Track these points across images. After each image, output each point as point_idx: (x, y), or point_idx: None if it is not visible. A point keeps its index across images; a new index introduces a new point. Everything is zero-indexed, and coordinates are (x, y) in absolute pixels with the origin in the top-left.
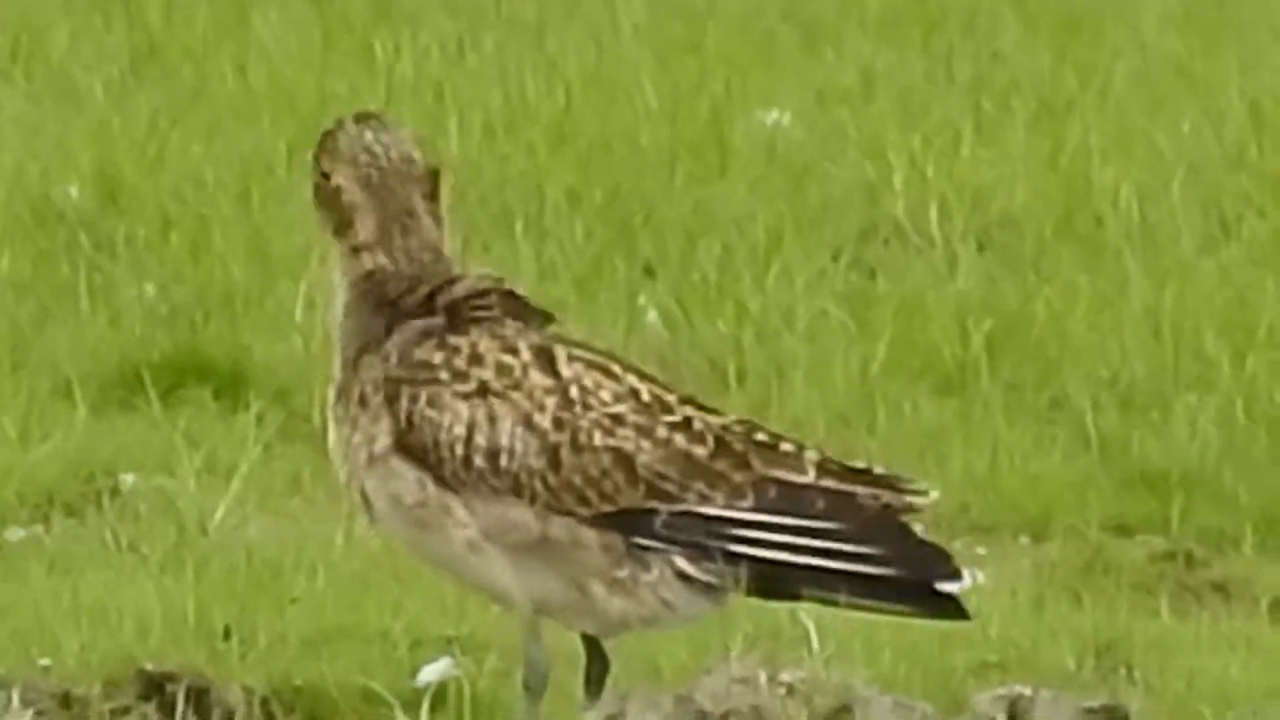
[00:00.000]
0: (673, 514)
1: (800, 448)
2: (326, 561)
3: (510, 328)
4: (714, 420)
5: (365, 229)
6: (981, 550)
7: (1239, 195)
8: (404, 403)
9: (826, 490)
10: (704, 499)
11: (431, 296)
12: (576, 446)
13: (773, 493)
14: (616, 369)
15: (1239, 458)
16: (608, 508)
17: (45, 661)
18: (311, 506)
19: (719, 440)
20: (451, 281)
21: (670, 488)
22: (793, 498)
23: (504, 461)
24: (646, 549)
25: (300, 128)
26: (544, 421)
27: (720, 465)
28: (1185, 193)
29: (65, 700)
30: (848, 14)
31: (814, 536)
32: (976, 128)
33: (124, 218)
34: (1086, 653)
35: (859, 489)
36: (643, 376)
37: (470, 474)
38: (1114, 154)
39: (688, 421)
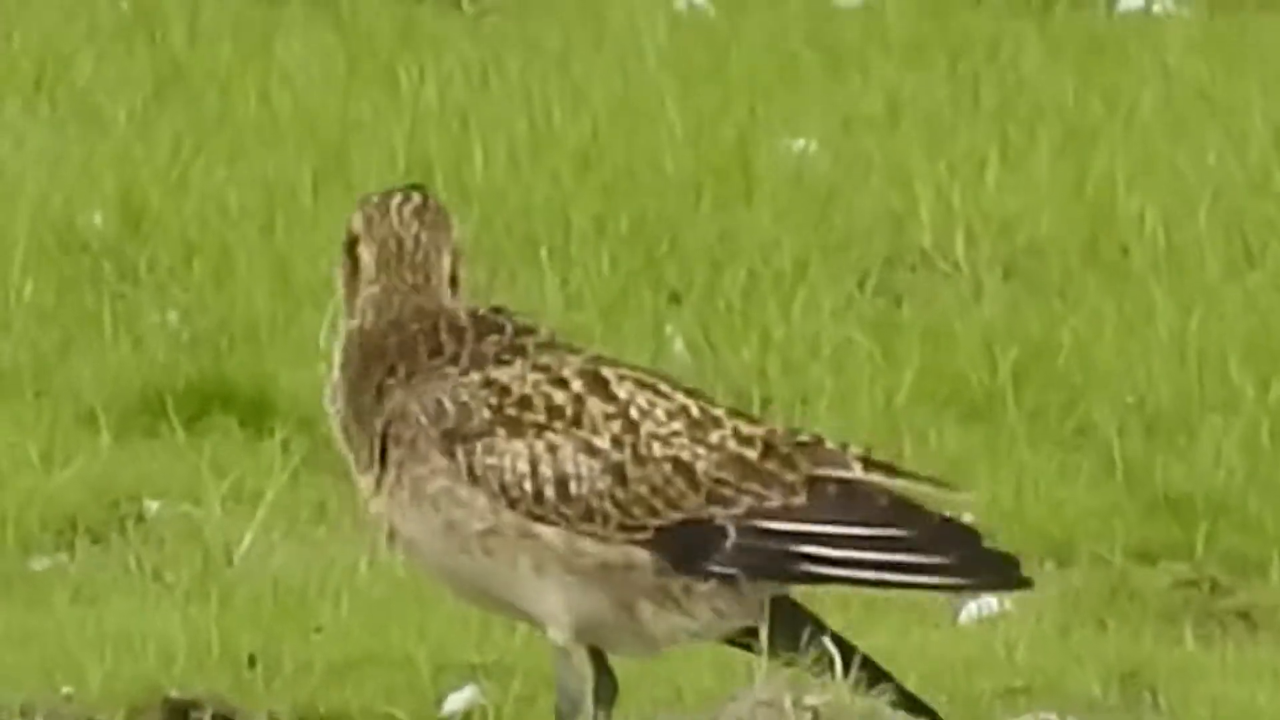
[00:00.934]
0: (738, 531)
1: (844, 446)
2: (351, 588)
3: (550, 355)
4: (758, 428)
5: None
6: None
7: (1263, 221)
8: (460, 455)
9: (886, 494)
10: (761, 498)
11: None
12: (639, 459)
13: (831, 490)
14: (664, 387)
15: (1264, 484)
16: (674, 515)
17: (69, 690)
18: (337, 533)
19: (766, 444)
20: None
21: (728, 492)
22: (851, 499)
23: (573, 488)
24: (709, 572)
25: (324, 154)
26: (604, 443)
27: (771, 465)
28: (1210, 219)
29: None
30: (871, 39)
31: (881, 548)
32: (1002, 155)
33: (147, 244)
34: (1111, 680)
35: (907, 482)
36: (688, 392)
37: (543, 506)
38: (1139, 181)
39: (735, 430)
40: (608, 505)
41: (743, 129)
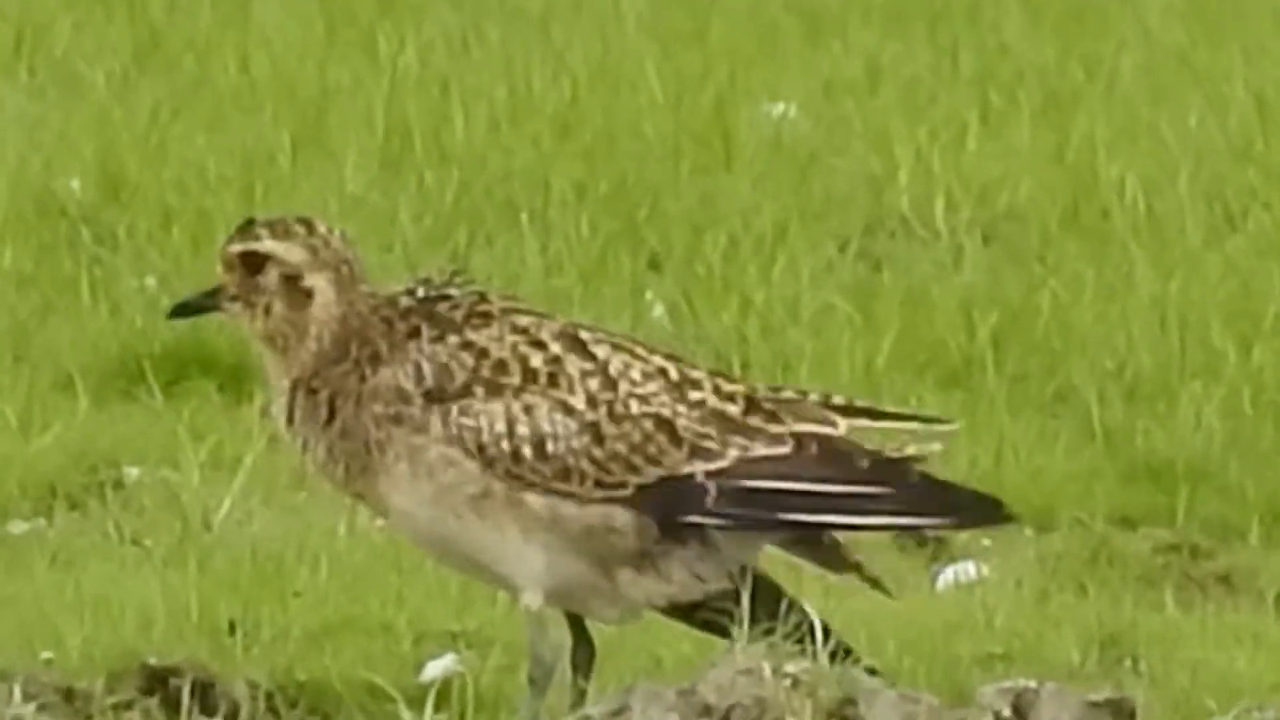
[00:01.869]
0: (720, 487)
1: (826, 398)
2: (330, 554)
3: (526, 318)
4: (740, 386)
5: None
6: (986, 542)
7: (1244, 187)
8: (436, 417)
9: (867, 453)
10: (745, 450)
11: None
12: (616, 417)
13: (813, 449)
14: (642, 350)
15: (1245, 449)
16: (655, 472)
17: (47, 655)
18: (316, 499)
19: (749, 399)
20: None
21: (712, 445)
22: (834, 456)
23: (550, 448)
24: (691, 525)
25: (303, 120)
26: (580, 403)
27: (755, 420)
28: (1191, 185)
29: (68, 694)
30: (851, 5)
31: (862, 510)
32: (982, 120)
33: (126, 210)
34: (1091, 645)
35: (890, 423)
36: (666, 356)
37: (521, 466)
38: (1120, 146)
39: (716, 387)
40: (584, 464)
41: (723, 94)
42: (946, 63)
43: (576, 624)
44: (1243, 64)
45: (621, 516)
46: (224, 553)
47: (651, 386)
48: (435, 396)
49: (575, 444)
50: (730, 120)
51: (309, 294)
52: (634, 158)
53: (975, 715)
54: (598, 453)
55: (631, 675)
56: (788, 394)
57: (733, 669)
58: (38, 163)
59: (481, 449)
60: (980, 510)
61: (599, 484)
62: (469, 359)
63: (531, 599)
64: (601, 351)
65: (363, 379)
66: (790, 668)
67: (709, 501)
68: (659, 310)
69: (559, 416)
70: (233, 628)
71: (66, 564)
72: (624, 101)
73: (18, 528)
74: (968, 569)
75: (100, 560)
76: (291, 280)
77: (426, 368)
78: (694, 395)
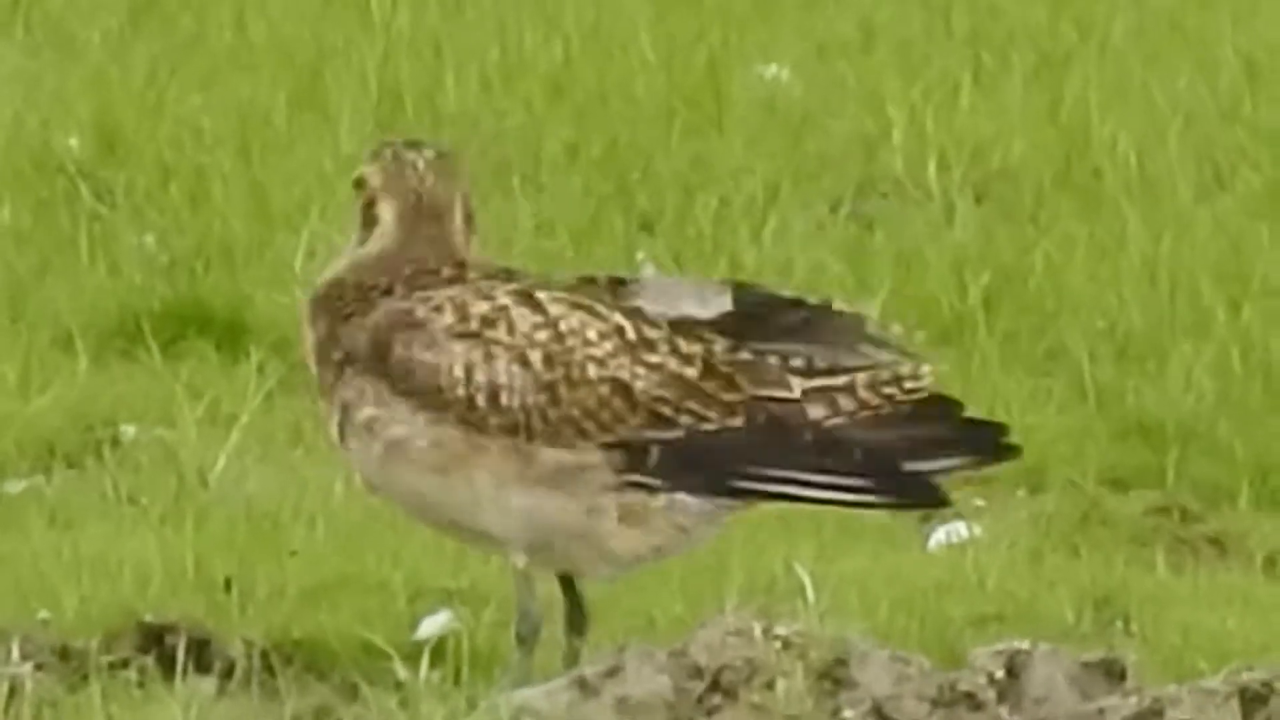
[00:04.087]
0: (665, 454)
1: (784, 360)
2: (326, 512)
3: (485, 283)
4: (698, 346)
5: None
6: (979, 502)
7: (1234, 147)
8: (398, 350)
9: (814, 427)
10: (700, 420)
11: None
12: (571, 381)
13: (761, 418)
14: (600, 308)
15: (1235, 409)
16: (607, 438)
17: (44, 614)
18: (312, 457)
19: (705, 362)
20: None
21: (667, 411)
22: (782, 426)
23: (504, 399)
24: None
25: (298, 80)
26: (537, 360)
27: (710, 386)
28: (1181, 144)
29: (64, 653)
30: None
31: (805, 485)
32: (975, 80)
33: (123, 168)
34: (1083, 605)
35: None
36: (626, 313)
37: (474, 414)
38: (1112, 106)
39: (674, 348)
40: (537, 422)
41: (715, 55)
42: (939, 23)
43: (569, 586)
44: (1232, 26)
45: (594, 454)
46: (220, 511)
47: (608, 345)
48: (382, 347)
49: (531, 400)
50: (723, 81)
51: (376, 220)
52: (626, 119)
53: (967, 676)
54: (553, 413)
55: (624, 635)
56: (745, 355)
57: (723, 630)
58: (35, 120)
59: (440, 390)
60: (917, 492)
61: (550, 442)
62: (422, 309)
63: (517, 556)
64: (556, 309)
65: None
66: (781, 629)
67: (652, 464)
68: (650, 271)
69: (517, 369)
70: (229, 585)
71: (64, 523)
72: (616, 63)
73: (15, 486)
74: (959, 529)
75: (97, 519)
76: (369, 205)
77: (380, 321)
78: (651, 357)
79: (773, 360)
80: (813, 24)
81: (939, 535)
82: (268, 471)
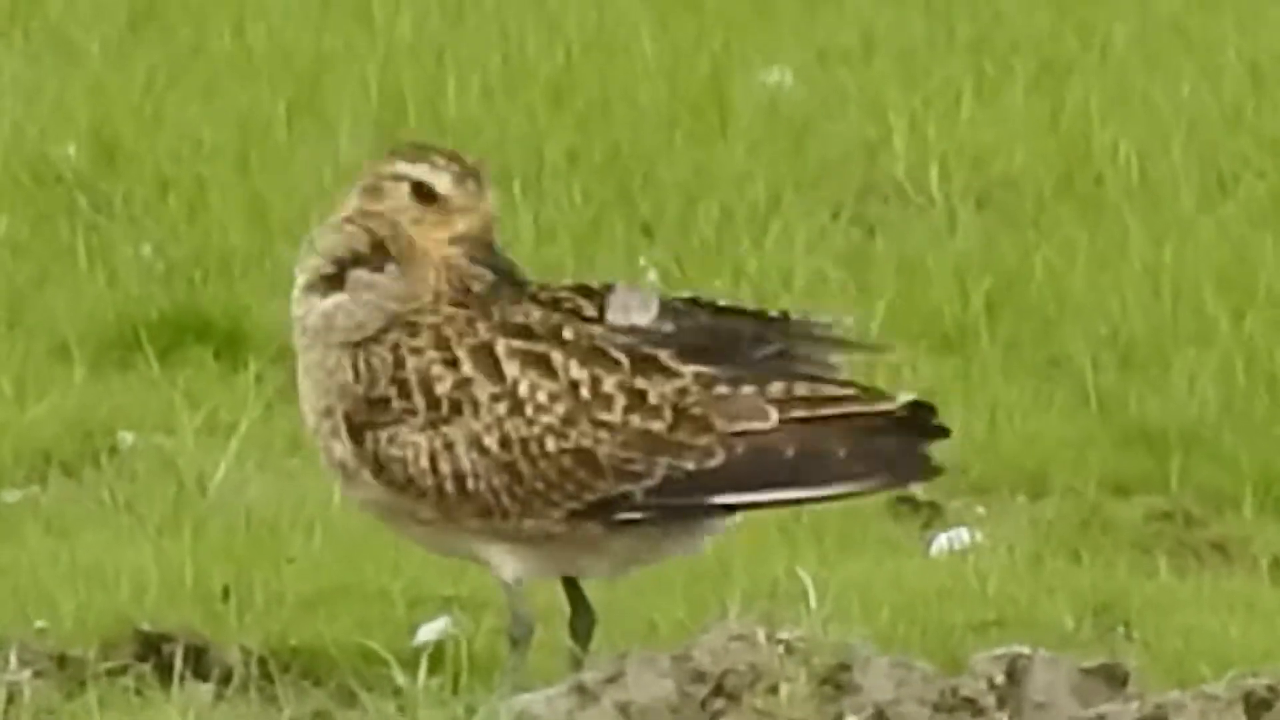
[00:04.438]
0: (647, 493)
1: (761, 387)
2: (325, 520)
3: (460, 320)
4: (668, 387)
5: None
6: (980, 509)
7: (1237, 155)
8: (369, 444)
9: (794, 444)
10: (674, 467)
11: None
12: (530, 458)
13: (740, 449)
14: (557, 357)
15: (1238, 417)
16: (577, 505)
17: (42, 623)
18: (310, 465)
19: (676, 408)
20: None
21: (638, 468)
22: (761, 457)
23: (470, 485)
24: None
25: (298, 88)
26: (493, 442)
27: (682, 435)
28: (1184, 152)
29: (62, 661)
30: None
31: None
32: (977, 88)
33: (121, 178)
34: (1085, 611)
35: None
36: (584, 360)
37: (446, 501)
38: (1114, 114)
39: (641, 396)
40: (506, 500)
41: (717, 61)
42: (941, 30)
43: (574, 591)
44: (1236, 32)
45: (564, 524)
46: (218, 519)
47: (560, 409)
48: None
49: (496, 481)
50: (725, 88)
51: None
52: (628, 125)
53: (969, 682)
54: (519, 490)
55: (626, 641)
56: (721, 389)
57: (726, 635)
58: (33, 129)
59: (411, 481)
60: (907, 469)
61: (527, 515)
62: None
63: (509, 577)
64: (512, 368)
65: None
66: (784, 634)
67: (638, 501)
68: (652, 278)
69: (476, 455)
70: (226, 594)
71: (61, 531)
72: (618, 69)
73: (12, 495)
74: (961, 535)
75: (95, 527)
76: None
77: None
78: (609, 416)
79: (748, 390)
80: (814, 31)
81: (941, 541)
82: (266, 480)
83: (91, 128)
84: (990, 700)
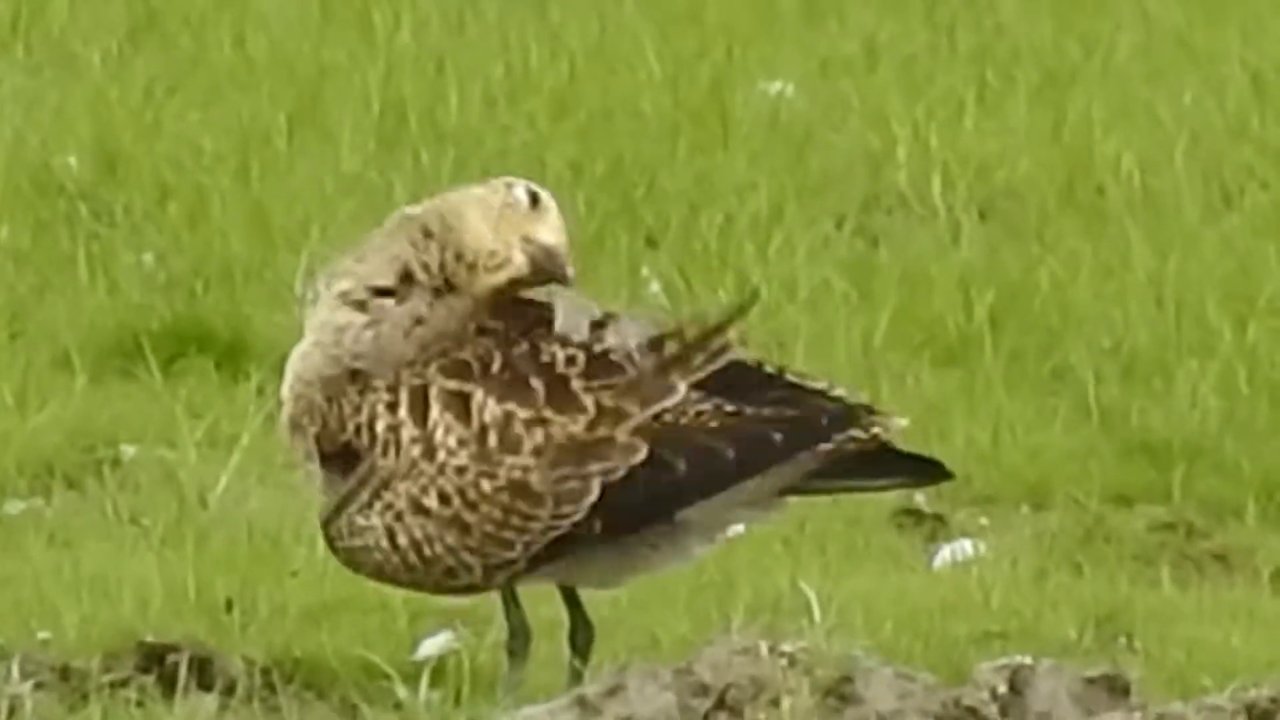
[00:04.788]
0: (595, 509)
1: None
2: None
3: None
4: (595, 383)
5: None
6: (983, 520)
7: (1241, 166)
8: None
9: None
10: (606, 474)
11: None
12: (471, 504)
13: (671, 437)
14: (478, 396)
15: (1241, 427)
16: (529, 537)
17: (45, 634)
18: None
19: (599, 406)
20: None
21: (575, 485)
22: (681, 438)
23: (429, 551)
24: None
25: (299, 98)
26: (432, 502)
27: (601, 431)
28: (1188, 163)
29: (65, 673)
30: None
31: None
32: (979, 98)
33: (122, 187)
34: (1087, 623)
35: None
36: (503, 395)
37: (414, 574)
38: (1116, 124)
39: (556, 410)
40: (467, 556)
41: (720, 72)
42: (944, 41)
43: (573, 603)
44: (1240, 43)
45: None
46: (221, 531)
47: (463, 456)
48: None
49: (450, 540)
50: (727, 98)
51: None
52: (631, 136)
53: (972, 693)
54: (471, 541)
55: (627, 654)
56: (623, 378)
57: (729, 647)
58: (34, 140)
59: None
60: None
61: (488, 571)
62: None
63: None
64: (435, 411)
65: None
66: (787, 646)
67: (596, 528)
68: (655, 288)
69: (419, 520)
70: (229, 605)
71: (63, 543)
72: (621, 80)
73: (14, 507)
74: (964, 548)
75: (97, 539)
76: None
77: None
78: (533, 441)
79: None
80: (816, 41)
81: (943, 554)
82: (268, 492)
83: (93, 138)
84: (993, 710)
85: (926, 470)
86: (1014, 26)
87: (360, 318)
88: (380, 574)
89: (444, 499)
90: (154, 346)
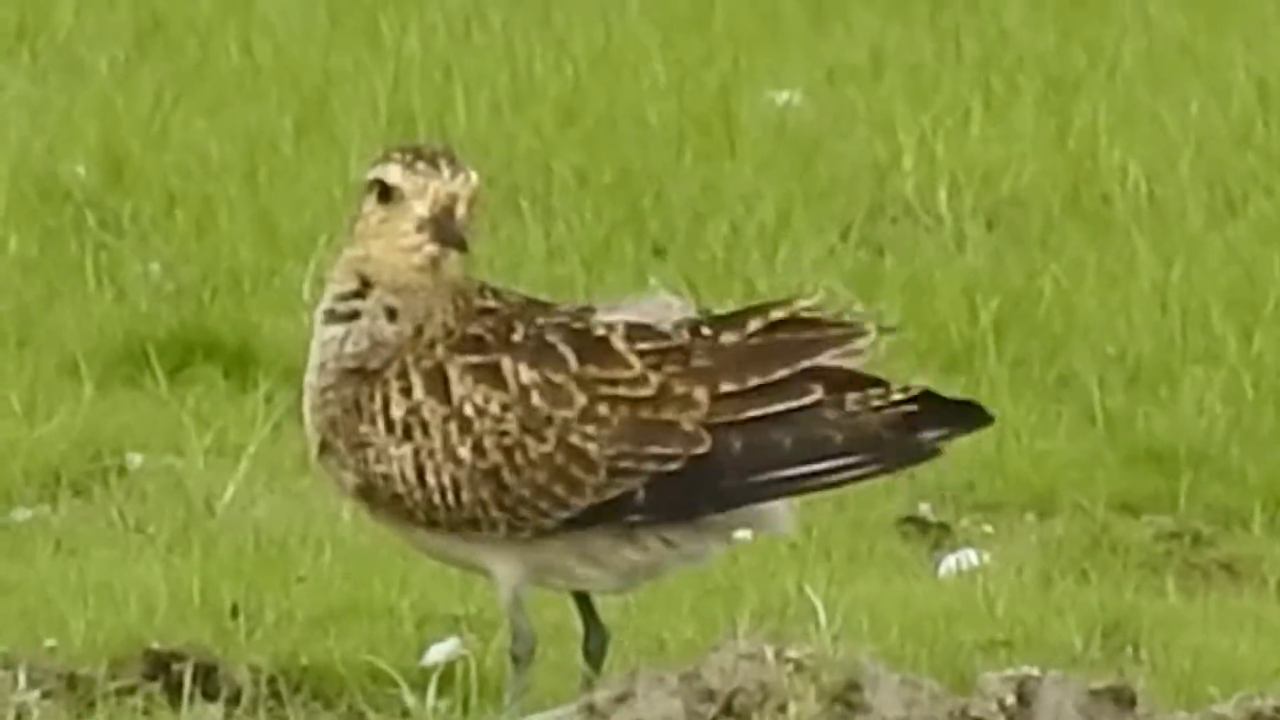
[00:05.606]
0: (647, 492)
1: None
2: (334, 539)
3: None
4: (651, 364)
5: None
6: (988, 528)
7: (1245, 173)
8: (357, 462)
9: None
10: (663, 459)
11: None
12: (516, 467)
13: (734, 432)
14: (506, 365)
15: (1246, 435)
16: (569, 512)
17: (51, 641)
18: (319, 485)
19: (663, 385)
20: None
21: (628, 464)
22: (753, 436)
23: (453, 500)
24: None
25: (306, 105)
26: (466, 452)
27: (668, 414)
28: (1192, 170)
29: (71, 680)
30: None
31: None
32: (985, 106)
33: (130, 195)
34: (1093, 631)
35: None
36: (534, 362)
37: (435, 514)
38: (1121, 132)
39: (626, 383)
40: (495, 513)
41: (726, 80)
42: (949, 49)
43: (587, 610)
44: (1244, 50)
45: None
46: (228, 538)
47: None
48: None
49: (483, 493)
50: (733, 106)
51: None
52: (637, 144)
53: (978, 702)
54: (506, 499)
55: (634, 659)
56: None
57: (735, 653)
58: (41, 147)
59: (398, 499)
60: (903, 454)
61: (513, 527)
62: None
63: (506, 593)
64: (462, 388)
65: None
66: (793, 652)
67: (639, 503)
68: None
69: (451, 467)
70: (235, 612)
71: (70, 551)
72: (627, 87)
73: (22, 514)
74: (970, 556)
75: (104, 547)
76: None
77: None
78: (600, 408)
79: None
80: (823, 49)
81: (949, 562)
82: (275, 499)
83: (100, 145)
84: None
85: (970, 416)
86: (1019, 34)
87: (343, 328)
88: (395, 504)
89: (479, 451)
90: (161, 355)
